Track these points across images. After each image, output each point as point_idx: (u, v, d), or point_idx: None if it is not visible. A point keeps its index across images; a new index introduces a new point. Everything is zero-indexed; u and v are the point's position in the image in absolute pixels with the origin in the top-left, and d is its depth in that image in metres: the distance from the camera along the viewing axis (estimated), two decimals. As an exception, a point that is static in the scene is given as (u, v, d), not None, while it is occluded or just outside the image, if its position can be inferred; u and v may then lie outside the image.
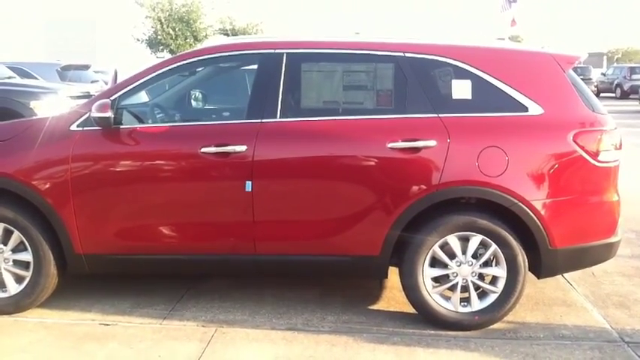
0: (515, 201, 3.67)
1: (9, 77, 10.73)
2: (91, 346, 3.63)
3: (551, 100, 3.82)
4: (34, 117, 7.15)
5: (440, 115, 3.77)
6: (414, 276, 3.79)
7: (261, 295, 4.40)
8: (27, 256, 3.97)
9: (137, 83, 4.01)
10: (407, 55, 3.91)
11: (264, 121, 3.85)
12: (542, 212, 3.69)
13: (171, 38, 29.74)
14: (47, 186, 3.88)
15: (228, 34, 31.53)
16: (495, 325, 3.87)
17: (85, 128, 3.90)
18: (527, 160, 3.73)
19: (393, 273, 4.00)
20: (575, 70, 4.01)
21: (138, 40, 31.09)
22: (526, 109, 3.78)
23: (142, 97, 4.61)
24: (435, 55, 3.91)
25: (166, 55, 26.17)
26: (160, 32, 29.92)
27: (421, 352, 3.58)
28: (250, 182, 3.78)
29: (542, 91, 3.84)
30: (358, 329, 3.88)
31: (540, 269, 3.83)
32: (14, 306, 4.02)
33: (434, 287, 3.83)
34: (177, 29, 29.78)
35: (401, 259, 3.82)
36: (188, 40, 29.89)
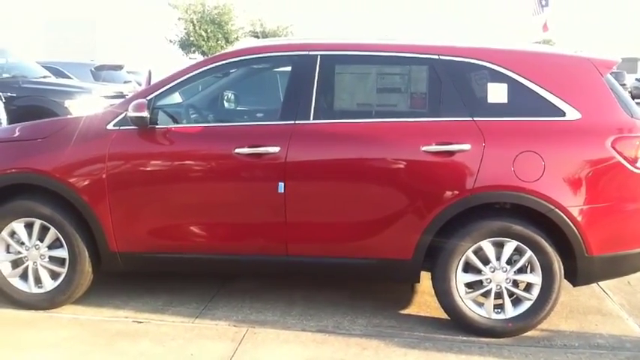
0: (552, 207, 3.61)
1: (44, 76, 10.91)
2: (124, 343, 3.67)
3: (589, 105, 3.76)
4: (70, 116, 7.27)
5: (475, 119, 3.73)
6: (446, 281, 3.75)
7: (292, 296, 4.40)
8: (62, 253, 4.03)
9: (173, 84, 4.05)
10: (442, 57, 3.87)
11: (297, 122, 3.85)
12: (579, 219, 3.62)
13: (203, 40, 30.00)
14: (83, 184, 3.93)
15: (258, 37, 31.71)
16: (529, 333, 3.82)
17: (121, 127, 3.95)
18: (564, 166, 3.67)
19: (425, 278, 3.97)
20: (608, 75, 3.93)
21: (170, 41, 31.44)
22: (563, 114, 3.72)
23: (176, 97, 4.66)
24: (470, 57, 3.87)
25: (198, 57, 26.41)
26: (192, 34, 30.21)
27: (453, 359, 3.55)
28: (283, 183, 3.79)
29: (580, 96, 3.77)
30: (389, 333, 3.86)
31: (576, 277, 3.77)
32: (49, 302, 4.08)
33: (467, 293, 3.79)
34: (209, 31, 30.04)
35: (433, 263, 3.79)
36: (220, 42, 30.11)
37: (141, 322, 3.95)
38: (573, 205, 3.63)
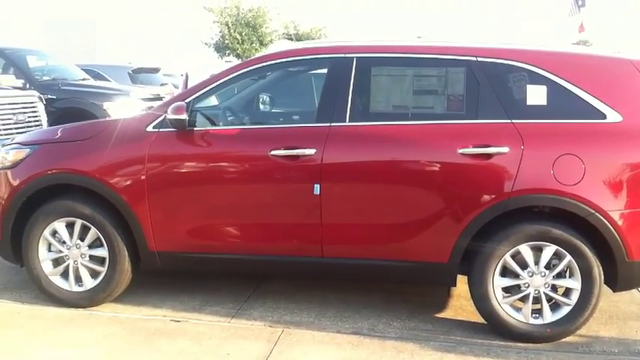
0: (592, 211, 3.55)
1: (83, 79, 11.15)
2: (162, 341, 3.72)
3: (630, 108, 3.69)
4: (110, 118, 7.41)
5: (513, 121, 3.69)
6: (483, 285, 3.72)
7: (326, 298, 4.41)
8: (103, 252, 4.11)
9: (211, 87, 4.10)
10: (479, 59, 3.84)
11: (333, 124, 3.86)
12: (620, 223, 3.56)
13: (238, 43, 30.24)
14: (123, 184, 4.00)
15: (292, 39, 31.83)
16: (568, 338, 3.76)
17: (160, 130, 4.01)
18: (605, 169, 3.60)
19: (461, 281, 3.93)
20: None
21: (206, 44, 31.80)
22: (604, 117, 3.65)
23: (213, 100, 4.71)
24: (508, 59, 3.83)
25: (233, 60, 26.63)
26: (227, 37, 30.49)
27: (490, 363, 3.52)
28: (319, 185, 3.80)
29: (621, 98, 3.71)
30: (425, 337, 3.84)
31: (616, 282, 3.70)
32: (89, 300, 4.17)
33: (504, 297, 3.74)
34: (243, 34, 30.27)
35: (470, 267, 3.76)
36: (254, 45, 30.32)
37: (178, 321, 4.00)
38: (614, 209, 3.57)
